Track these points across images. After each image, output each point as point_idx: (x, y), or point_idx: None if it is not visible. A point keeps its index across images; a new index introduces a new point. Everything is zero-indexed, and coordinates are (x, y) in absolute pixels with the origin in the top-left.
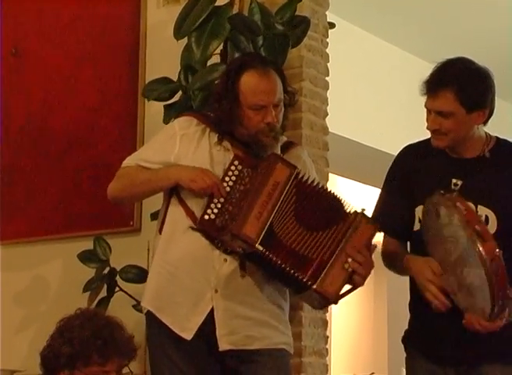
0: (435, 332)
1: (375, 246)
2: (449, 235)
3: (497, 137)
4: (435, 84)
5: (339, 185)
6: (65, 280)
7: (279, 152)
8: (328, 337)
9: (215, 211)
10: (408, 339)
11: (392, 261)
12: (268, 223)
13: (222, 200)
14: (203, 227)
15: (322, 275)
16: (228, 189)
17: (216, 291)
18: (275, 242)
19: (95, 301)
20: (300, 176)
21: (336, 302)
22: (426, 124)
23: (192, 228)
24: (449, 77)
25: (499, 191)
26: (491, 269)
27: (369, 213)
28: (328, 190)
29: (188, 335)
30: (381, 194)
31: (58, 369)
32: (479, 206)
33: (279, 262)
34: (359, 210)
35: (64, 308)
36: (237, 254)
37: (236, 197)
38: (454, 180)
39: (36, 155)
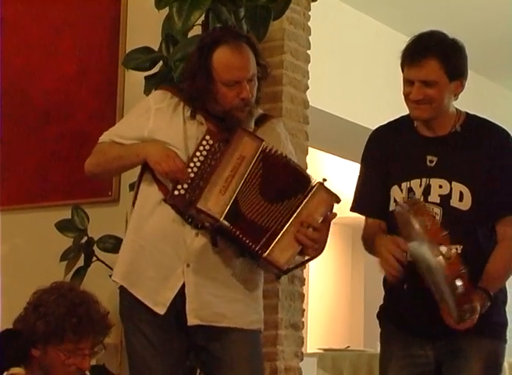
0: (409, 309)
1: (335, 215)
2: (416, 251)
3: (467, 113)
4: (419, 54)
5: (318, 159)
6: (43, 249)
7: (252, 126)
8: (304, 310)
9: (185, 186)
10: (383, 314)
11: (369, 244)
12: (234, 198)
13: (192, 175)
14: (173, 202)
15: (273, 244)
16: (198, 164)
17: (188, 266)
18: (240, 217)
19: (72, 271)
20: (268, 149)
21: (285, 272)
22: (404, 97)
23: (164, 200)
24: (432, 46)
25: (473, 166)
26: (457, 291)
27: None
28: (293, 162)
29: (161, 310)
30: (358, 177)
31: (32, 343)
32: (453, 182)
33: (237, 233)
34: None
35: (41, 277)
36: (208, 229)
37: (206, 172)
38: (429, 157)
39: (14, 124)
